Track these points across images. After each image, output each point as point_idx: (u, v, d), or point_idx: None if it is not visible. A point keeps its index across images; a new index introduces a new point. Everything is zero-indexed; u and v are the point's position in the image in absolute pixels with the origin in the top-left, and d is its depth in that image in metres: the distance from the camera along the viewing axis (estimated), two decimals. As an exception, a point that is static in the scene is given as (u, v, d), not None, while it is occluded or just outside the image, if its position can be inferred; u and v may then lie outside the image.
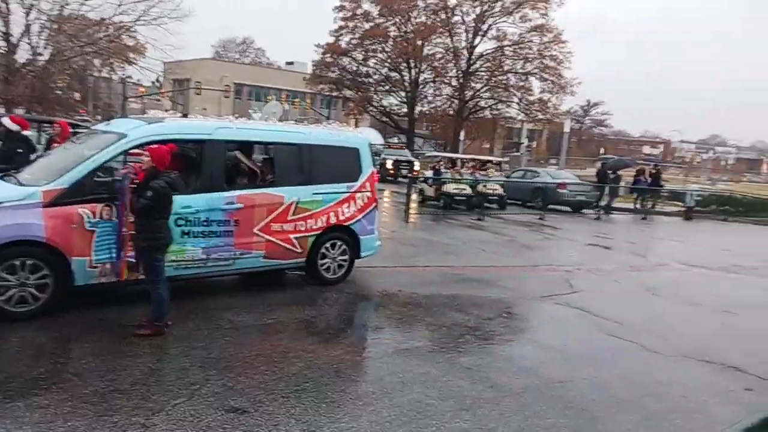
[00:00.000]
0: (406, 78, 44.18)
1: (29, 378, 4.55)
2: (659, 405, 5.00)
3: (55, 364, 4.87)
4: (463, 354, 5.80)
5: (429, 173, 20.71)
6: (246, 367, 5.05)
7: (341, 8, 43.61)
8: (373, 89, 45.57)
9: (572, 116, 58.00)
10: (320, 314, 6.91)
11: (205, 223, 6.62)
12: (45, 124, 14.72)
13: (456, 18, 42.98)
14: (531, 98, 43.17)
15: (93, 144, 6.55)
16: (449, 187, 18.66)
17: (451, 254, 11.31)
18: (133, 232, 5.63)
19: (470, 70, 43.14)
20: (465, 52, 43.18)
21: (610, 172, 22.83)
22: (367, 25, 43.42)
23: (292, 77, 58.46)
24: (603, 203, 21.37)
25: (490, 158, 25.66)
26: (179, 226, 6.34)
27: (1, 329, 5.38)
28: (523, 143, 61.17)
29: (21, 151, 8.77)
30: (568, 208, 21.07)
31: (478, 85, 43.82)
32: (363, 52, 43.92)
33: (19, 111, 24.43)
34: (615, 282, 10.05)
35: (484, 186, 18.80)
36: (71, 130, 10.45)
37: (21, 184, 6.04)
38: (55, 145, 8.95)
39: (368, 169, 8.24)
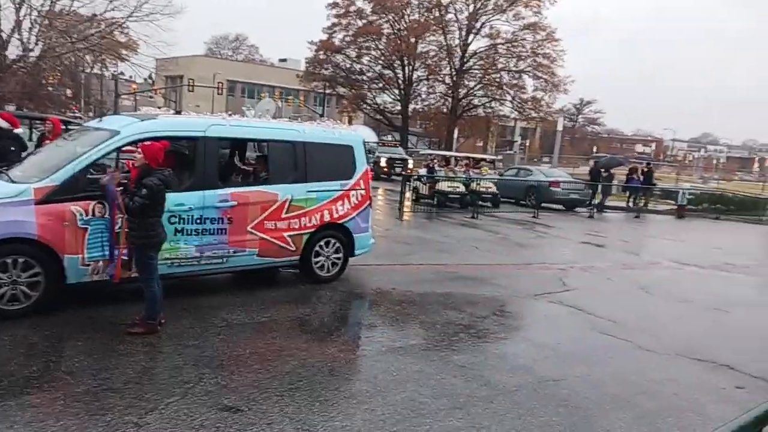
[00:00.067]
0: (400, 75, 44.21)
1: (21, 377, 4.51)
2: (652, 403, 5.02)
3: (47, 363, 4.84)
4: (456, 352, 5.81)
5: (423, 171, 20.73)
6: (239, 366, 5.03)
7: (334, 5, 43.58)
8: (366, 87, 45.58)
9: (565, 114, 58.11)
10: (314, 312, 6.90)
11: (198, 221, 6.58)
12: (36, 121, 14.63)
13: (449, 15, 43.15)
14: (524, 96, 43.37)
15: (85, 141, 6.49)
16: (443, 185, 18.68)
17: (444, 252, 11.32)
18: (126, 230, 5.61)
19: (464, 68, 43.23)
20: (458, 49, 43.27)
21: (602, 170, 22.95)
22: (360, 23, 43.41)
23: (285, 74, 58.33)
24: (596, 201, 21.46)
25: (484, 156, 25.70)
26: (172, 223, 6.31)
27: (-8, 327, 5.34)
28: (516, 141, 61.36)
29: (13, 149, 8.70)
30: (561, 207, 21.15)
31: (472, 83, 43.93)
32: (356, 50, 43.91)
33: (10, 108, 24.28)
34: (608, 280, 10.09)
35: (478, 184, 18.83)
36: (63, 126, 10.37)
37: (12, 182, 5.98)
38: (47, 142, 8.89)
39: (362, 166, 8.23)
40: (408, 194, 17.65)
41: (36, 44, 27.30)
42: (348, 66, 44.70)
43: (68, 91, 39.38)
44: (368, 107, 47.12)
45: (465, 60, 43.19)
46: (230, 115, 7.51)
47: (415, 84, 44.71)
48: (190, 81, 43.87)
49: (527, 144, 68.24)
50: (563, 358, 5.92)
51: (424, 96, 45.90)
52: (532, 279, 9.58)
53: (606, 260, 12.05)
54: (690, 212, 22.57)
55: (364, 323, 6.96)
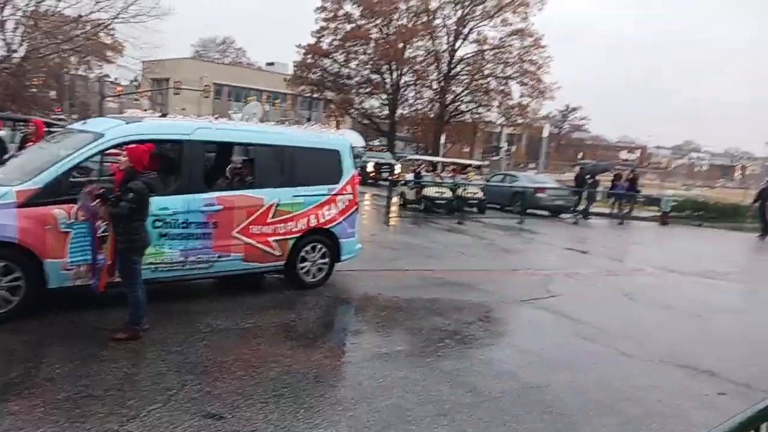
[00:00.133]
0: (388, 80, 44.25)
1: (0, 384, 4.43)
2: (636, 409, 5.05)
3: (28, 369, 4.76)
4: (442, 358, 5.80)
5: (410, 176, 20.78)
6: (223, 372, 4.98)
7: (323, 9, 43.55)
8: (354, 91, 45.55)
9: (551, 121, 58.56)
10: (299, 318, 6.86)
11: (183, 225, 6.53)
12: (19, 123, 14.45)
13: (437, 21, 43.27)
14: (511, 102, 43.59)
15: (69, 143, 6.42)
16: (430, 191, 18.75)
17: (431, 257, 11.33)
18: (108, 234, 5.54)
19: (451, 74, 43.39)
20: (446, 55, 43.43)
21: (588, 176, 23.11)
22: (348, 27, 43.42)
23: (272, 78, 58.14)
24: (581, 208, 21.61)
25: (470, 162, 25.79)
26: (157, 228, 6.25)
27: (-29, 333, 5.25)
28: (502, 147, 61.55)
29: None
30: (546, 213, 21.26)
31: (459, 89, 44.10)
32: (344, 54, 43.89)
33: (-7, 109, 23.93)
34: (592, 286, 10.15)
35: (464, 190, 18.90)
36: (46, 129, 10.25)
37: (-7, 184, 5.90)
38: (30, 144, 8.77)
39: (349, 171, 8.21)
40: (395, 199, 17.67)
41: (20, 45, 27.01)
42: (336, 70, 44.68)
43: (52, 93, 38.95)
44: (356, 112, 47.10)
45: (452, 66, 43.38)
46: (217, 118, 7.47)
47: (402, 89, 44.77)
48: (177, 84, 43.59)
49: (513, 150, 68.55)
50: (548, 365, 5.94)
51: (411, 101, 45.99)
52: (517, 285, 9.62)
53: (590, 266, 12.13)
54: (673, 219, 22.80)
55: (350, 329, 6.94)
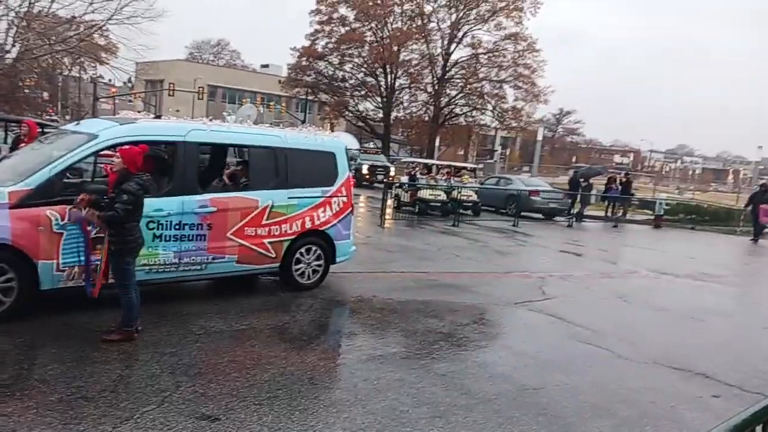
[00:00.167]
0: (382, 83, 44.27)
1: (-8, 385, 4.41)
2: (630, 411, 5.06)
3: (20, 371, 4.73)
4: (437, 360, 5.80)
5: (404, 179, 20.78)
6: (217, 374, 4.96)
7: (317, 12, 43.53)
8: (349, 94, 45.57)
9: (545, 124, 58.76)
10: (294, 320, 6.84)
11: (177, 227, 6.50)
12: (12, 124, 14.38)
13: (432, 24, 43.34)
14: (505, 106, 43.71)
15: (62, 144, 6.39)
16: (424, 193, 18.77)
17: (425, 260, 11.33)
18: (101, 236, 5.51)
19: (445, 77, 43.46)
20: (440, 58, 43.49)
21: (581, 180, 23.19)
22: (343, 30, 43.42)
23: (267, 80, 58.22)
24: (575, 211, 21.67)
25: (465, 165, 25.84)
26: (151, 229, 6.23)
27: (-37, 334, 5.21)
28: (496, 150, 61.79)
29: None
30: (540, 216, 21.32)
31: (453, 92, 44.17)
32: (339, 57, 43.89)
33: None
34: (586, 289, 10.17)
35: (459, 192, 18.92)
36: (39, 129, 10.20)
37: (-14, 185, 5.86)
38: (23, 145, 8.73)
39: (344, 173, 8.21)
40: (389, 202, 17.66)
41: (13, 46, 26.85)
42: (330, 73, 44.69)
43: (45, 94, 38.79)
44: (350, 114, 47.12)
45: (447, 69, 43.44)
46: (211, 120, 7.44)
47: (397, 92, 44.80)
48: (171, 85, 43.54)
49: (507, 153, 68.79)
50: (543, 367, 5.94)
51: (406, 104, 46.05)
52: (511, 287, 9.63)
53: (585, 269, 12.15)
54: (666, 222, 22.90)
55: (345, 331, 6.92)
